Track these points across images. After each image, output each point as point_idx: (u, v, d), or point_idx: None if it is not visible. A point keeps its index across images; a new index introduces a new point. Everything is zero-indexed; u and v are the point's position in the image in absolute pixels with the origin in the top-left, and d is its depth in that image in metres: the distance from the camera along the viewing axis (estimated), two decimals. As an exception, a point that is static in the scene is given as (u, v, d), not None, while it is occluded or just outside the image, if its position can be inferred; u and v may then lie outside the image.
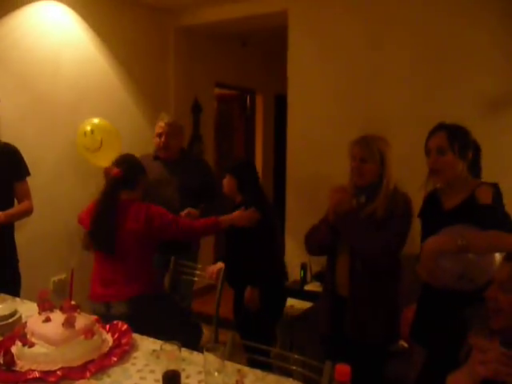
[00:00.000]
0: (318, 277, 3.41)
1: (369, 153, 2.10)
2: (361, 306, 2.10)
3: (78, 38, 3.56)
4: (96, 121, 2.96)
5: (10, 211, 2.53)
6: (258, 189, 2.85)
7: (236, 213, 2.65)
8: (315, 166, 3.56)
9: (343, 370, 0.92)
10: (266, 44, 5.23)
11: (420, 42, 3.12)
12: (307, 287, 3.46)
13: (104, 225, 2.37)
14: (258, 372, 1.56)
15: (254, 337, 1.95)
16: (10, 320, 1.86)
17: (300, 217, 3.43)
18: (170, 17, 4.26)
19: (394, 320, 2.15)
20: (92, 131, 2.80)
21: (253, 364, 1.69)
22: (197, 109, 4.66)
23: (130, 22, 3.94)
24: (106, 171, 2.76)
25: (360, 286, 2.10)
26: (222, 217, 2.62)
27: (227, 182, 2.81)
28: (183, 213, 2.89)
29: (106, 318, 1.90)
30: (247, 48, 5.20)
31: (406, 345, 2.50)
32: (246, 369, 1.58)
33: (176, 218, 2.47)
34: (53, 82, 3.41)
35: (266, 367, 1.66)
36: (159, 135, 3.04)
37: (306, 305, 3.30)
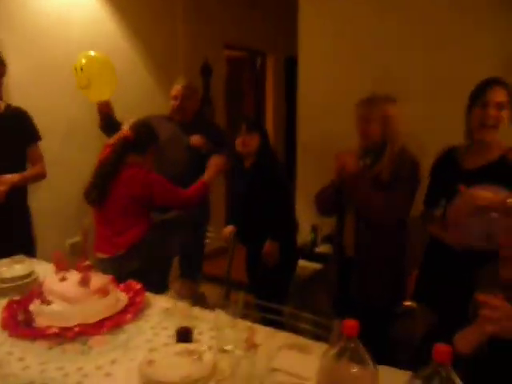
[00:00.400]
0: (328, 239, 3.44)
1: (371, 113, 2.07)
2: (366, 267, 2.12)
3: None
4: (83, 59, 2.81)
5: (24, 174, 2.57)
6: (271, 150, 2.85)
7: (210, 164, 2.66)
8: (326, 129, 3.53)
9: (350, 324, 0.94)
10: (276, 4, 5.11)
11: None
12: (318, 249, 3.49)
13: (100, 180, 2.44)
14: (269, 329, 1.60)
15: (269, 294, 1.99)
16: (28, 279, 1.92)
17: (310, 179, 3.42)
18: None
19: (400, 282, 2.17)
20: (82, 68, 2.78)
21: (265, 323, 1.73)
22: (206, 71, 4.61)
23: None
24: (100, 107, 2.90)
25: (365, 248, 2.11)
26: (204, 176, 2.63)
27: (253, 141, 2.72)
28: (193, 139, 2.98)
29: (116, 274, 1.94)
30: (256, 9, 5.08)
31: (413, 305, 2.53)
32: (256, 326, 1.62)
33: (174, 187, 2.50)
34: (60, 44, 3.37)
35: (278, 326, 1.69)
36: (175, 98, 3.07)
37: (317, 267, 3.34)
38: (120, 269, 2.37)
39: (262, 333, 1.56)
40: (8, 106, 2.59)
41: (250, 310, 1.88)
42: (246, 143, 2.72)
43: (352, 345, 0.95)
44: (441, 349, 0.85)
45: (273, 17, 5.35)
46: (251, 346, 1.30)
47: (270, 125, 5.70)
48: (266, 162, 2.73)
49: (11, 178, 2.46)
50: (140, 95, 3.88)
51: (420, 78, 3.08)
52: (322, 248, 3.48)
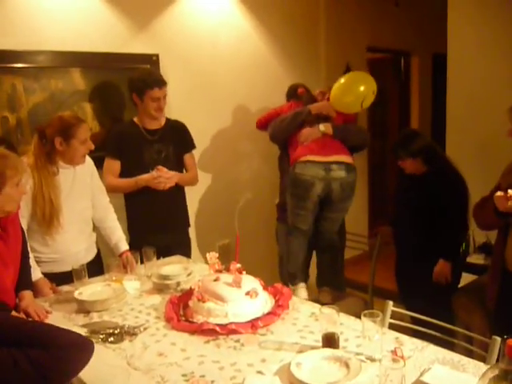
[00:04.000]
0: (481, 248, 3.18)
1: None
2: None
3: (232, 16, 3.68)
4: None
5: (182, 175, 2.82)
6: (441, 156, 2.66)
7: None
8: (480, 132, 3.28)
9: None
10: (421, 2, 4.90)
11: None
12: (470, 259, 3.25)
13: None
14: (417, 341, 1.54)
15: (429, 306, 1.93)
16: (187, 278, 2.11)
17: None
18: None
19: None
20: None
21: (416, 335, 1.66)
22: (349, 76, 4.57)
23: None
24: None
25: None
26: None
27: (412, 166, 2.63)
28: None
29: None
30: (400, 7, 4.92)
31: None
32: (404, 337, 1.58)
33: None
34: (212, 62, 3.59)
35: (428, 339, 1.62)
36: None
37: (468, 277, 3.11)
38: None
39: (410, 345, 1.52)
40: (168, 120, 2.87)
41: (398, 320, 1.83)
42: (405, 167, 2.67)
43: (515, 367, 0.88)
44: None
45: (418, 15, 5.12)
46: (399, 357, 1.26)
47: (415, 127, 5.46)
48: (443, 169, 2.58)
49: (176, 174, 2.74)
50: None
51: None
52: (475, 258, 3.23)
